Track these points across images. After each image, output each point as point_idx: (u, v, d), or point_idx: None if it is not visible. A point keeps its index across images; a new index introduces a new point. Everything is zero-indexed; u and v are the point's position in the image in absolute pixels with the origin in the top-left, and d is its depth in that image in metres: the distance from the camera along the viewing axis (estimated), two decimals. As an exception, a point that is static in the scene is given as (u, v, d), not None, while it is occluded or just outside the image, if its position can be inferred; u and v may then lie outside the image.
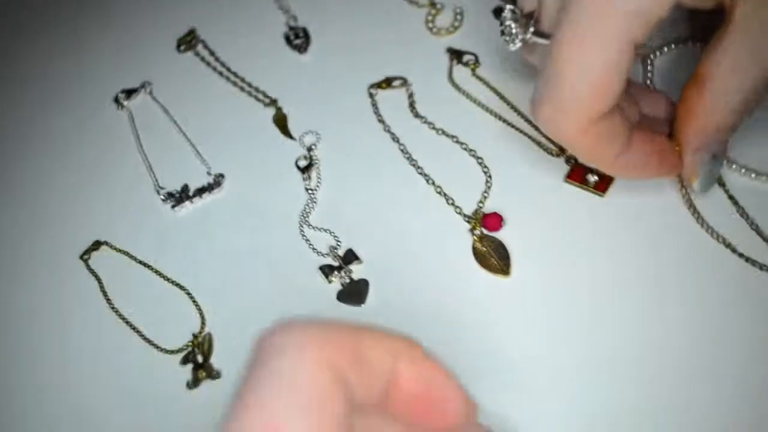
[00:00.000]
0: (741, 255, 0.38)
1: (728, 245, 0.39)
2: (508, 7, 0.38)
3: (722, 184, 0.40)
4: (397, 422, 0.29)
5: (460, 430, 0.29)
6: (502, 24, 0.38)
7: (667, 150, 0.38)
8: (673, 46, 0.45)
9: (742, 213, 0.39)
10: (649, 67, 0.44)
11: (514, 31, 0.38)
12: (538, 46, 0.38)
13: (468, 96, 0.46)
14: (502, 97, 0.46)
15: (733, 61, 0.34)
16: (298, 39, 0.51)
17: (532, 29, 0.37)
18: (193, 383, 0.39)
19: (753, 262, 0.38)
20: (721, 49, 0.34)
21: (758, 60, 0.34)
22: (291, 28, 0.51)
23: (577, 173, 0.42)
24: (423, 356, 0.28)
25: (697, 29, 0.45)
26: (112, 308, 0.42)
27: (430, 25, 0.49)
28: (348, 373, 0.26)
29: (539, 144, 0.44)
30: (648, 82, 0.44)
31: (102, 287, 0.43)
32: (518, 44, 0.38)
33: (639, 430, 0.36)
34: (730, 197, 0.40)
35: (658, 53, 0.45)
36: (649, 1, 0.32)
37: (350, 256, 0.42)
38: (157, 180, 0.46)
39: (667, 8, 0.33)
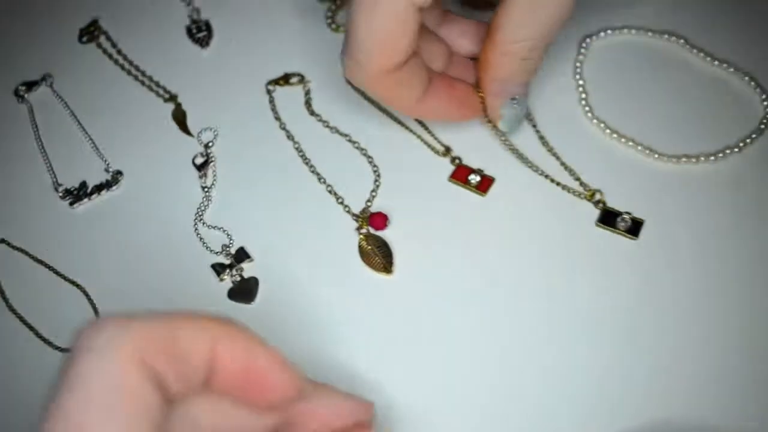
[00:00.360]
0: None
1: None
2: None
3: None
4: (225, 401, 0.30)
5: (297, 405, 0.30)
6: None
7: (466, 95, 0.42)
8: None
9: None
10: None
11: None
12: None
13: (363, 95, 0.47)
14: (395, 96, 0.47)
15: (517, 14, 0.38)
16: (201, 32, 0.51)
17: None
18: (86, 380, 0.40)
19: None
20: (508, 2, 0.38)
21: (537, 13, 0.38)
22: (194, 21, 0.51)
23: (461, 173, 0.44)
24: (243, 336, 0.29)
25: None
26: (9, 307, 0.43)
27: (330, 20, 0.50)
28: (161, 365, 0.27)
29: (428, 144, 0.45)
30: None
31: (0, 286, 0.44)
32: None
33: (523, 415, 0.38)
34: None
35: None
36: None
37: (242, 255, 0.43)
38: (56, 176, 0.46)
39: None
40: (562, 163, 0.44)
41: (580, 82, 0.46)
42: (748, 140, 0.43)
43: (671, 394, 0.37)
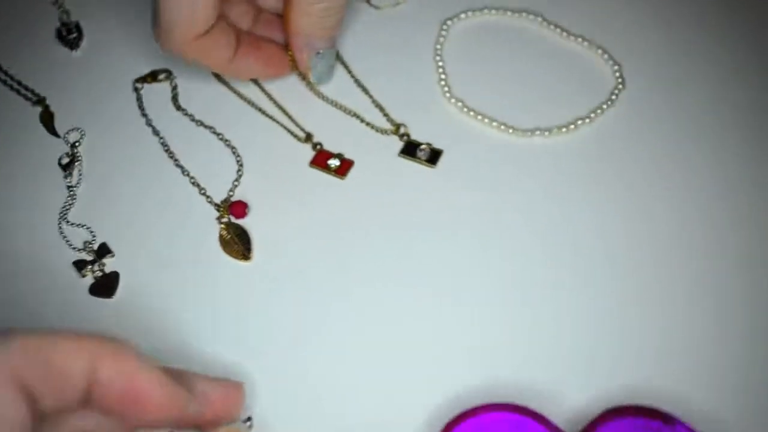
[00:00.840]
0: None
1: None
2: None
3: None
4: (107, 418, 0.31)
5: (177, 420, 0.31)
6: None
7: (274, 54, 0.45)
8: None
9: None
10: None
11: None
12: None
13: (228, 86, 0.48)
14: (258, 85, 0.47)
15: None
16: (71, 35, 0.51)
17: None
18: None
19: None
20: None
21: None
22: (63, 24, 0.52)
23: (320, 158, 0.44)
24: (125, 356, 0.30)
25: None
26: None
27: (198, 16, 0.51)
28: (36, 382, 0.28)
29: (288, 130, 0.46)
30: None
31: None
32: None
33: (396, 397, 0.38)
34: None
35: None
36: None
37: (104, 250, 0.43)
38: None
39: None
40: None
41: (440, 63, 0.47)
42: (598, 111, 0.44)
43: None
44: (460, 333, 0.39)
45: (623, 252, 0.41)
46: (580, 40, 0.47)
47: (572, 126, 0.44)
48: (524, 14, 0.48)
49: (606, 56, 0.46)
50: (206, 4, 0.40)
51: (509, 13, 0.48)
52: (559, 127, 0.44)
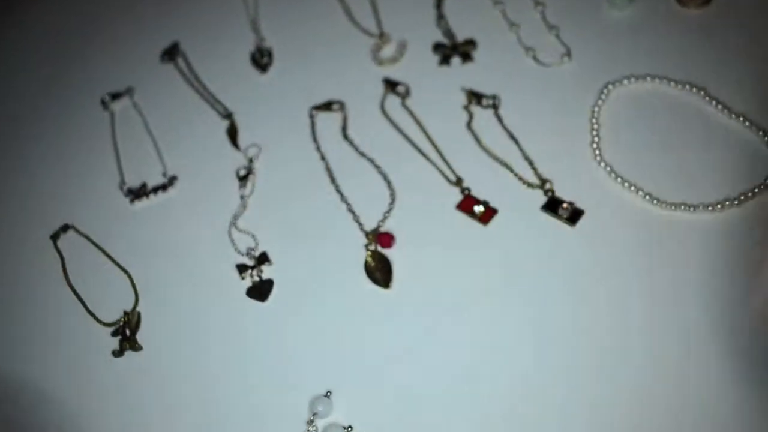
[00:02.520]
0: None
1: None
2: None
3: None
4: None
5: None
6: None
7: None
8: None
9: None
10: None
11: None
12: None
13: (392, 123, 0.52)
14: (421, 127, 0.51)
15: None
16: (263, 59, 0.57)
17: None
18: (119, 352, 0.47)
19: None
20: None
21: None
22: (258, 49, 0.58)
23: (467, 203, 0.47)
24: None
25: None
26: (68, 282, 0.50)
27: (375, 54, 0.55)
28: None
29: (441, 172, 0.49)
30: None
31: (63, 264, 0.51)
32: None
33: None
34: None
35: None
36: None
37: (263, 258, 0.48)
38: (123, 176, 0.54)
39: None
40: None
41: (595, 126, 0.48)
42: (749, 194, 0.44)
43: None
44: (584, 391, 0.41)
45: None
46: (741, 119, 0.47)
47: (719, 206, 0.44)
48: (687, 86, 0.48)
49: (767, 138, 0.46)
50: None
51: (672, 84, 0.49)
52: (705, 205, 0.44)
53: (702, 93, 0.48)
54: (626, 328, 0.42)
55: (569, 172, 0.47)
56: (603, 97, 0.49)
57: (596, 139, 0.48)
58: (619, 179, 0.46)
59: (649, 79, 0.49)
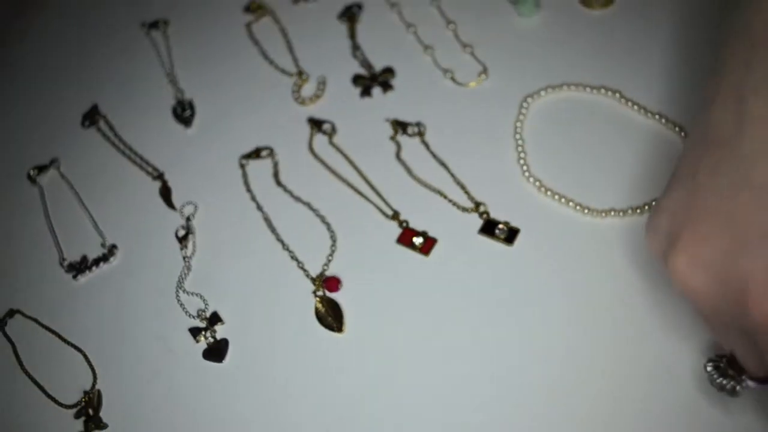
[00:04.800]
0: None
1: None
2: (709, 365, 0.37)
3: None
4: None
5: None
6: (712, 383, 0.37)
7: None
8: None
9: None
10: None
11: (729, 386, 0.36)
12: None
13: (323, 163, 0.52)
14: (351, 163, 0.52)
15: None
16: (185, 112, 0.57)
17: (746, 376, 0.36)
18: (86, 435, 0.47)
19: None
20: None
21: None
22: (179, 102, 0.57)
23: (406, 236, 0.48)
24: None
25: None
26: (22, 368, 0.49)
27: (296, 94, 0.55)
28: None
29: (378, 208, 0.50)
30: None
31: (15, 351, 0.50)
32: (741, 393, 0.37)
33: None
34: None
35: None
36: None
37: (215, 319, 0.48)
38: (62, 252, 0.53)
39: None
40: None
41: (519, 141, 0.49)
42: (673, 192, 0.46)
43: None
44: (542, 405, 0.42)
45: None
46: (658, 117, 0.48)
47: (647, 207, 0.46)
48: (602, 90, 0.50)
49: (683, 134, 0.47)
50: None
51: (588, 89, 0.50)
52: (634, 209, 0.46)
53: (617, 95, 0.49)
54: (570, 341, 0.43)
55: (500, 192, 0.48)
56: (523, 111, 0.50)
57: (522, 154, 0.49)
58: (549, 192, 0.47)
59: (565, 87, 0.51)
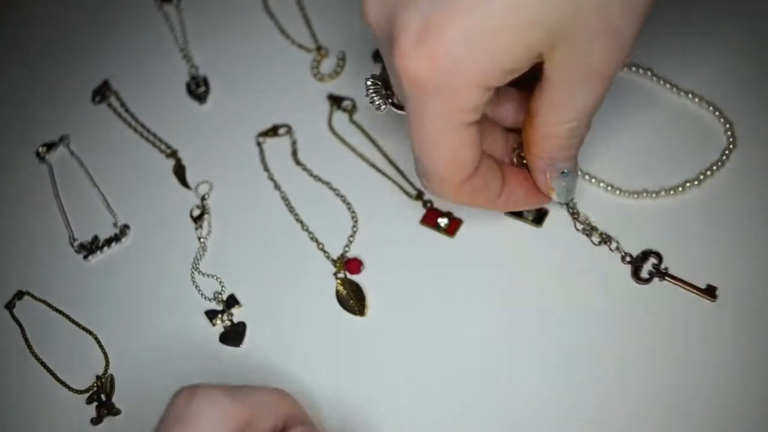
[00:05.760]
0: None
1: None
2: (369, 80, 0.40)
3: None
4: None
5: None
6: (367, 94, 0.41)
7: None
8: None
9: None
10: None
11: (377, 102, 0.40)
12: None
13: (343, 141, 0.50)
14: (372, 142, 0.50)
15: (555, 99, 0.38)
16: (199, 88, 0.55)
17: (390, 101, 0.40)
18: (97, 420, 0.45)
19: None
20: (541, 92, 0.38)
21: (575, 97, 0.37)
22: (193, 78, 0.56)
23: (431, 217, 0.46)
24: (300, 415, 0.38)
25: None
26: (32, 352, 0.48)
27: (315, 70, 0.53)
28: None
29: (401, 188, 0.48)
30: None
31: (24, 334, 0.49)
32: (383, 111, 0.41)
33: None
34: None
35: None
36: (464, 92, 0.35)
37: (231, 301, 0.47)
38: (72, 232, 0.51)
39: (485, 93, 0.35)
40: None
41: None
42: (708, 172, 0.44)
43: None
44: (565, 392, 0.41)
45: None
46: (690, 96, 0.47)
47: (680, 188, 0.44)
48: (633, 68, 0.48)
49: (717, 113, 0.46)
50: (467, 149, 0.37)
51: (618, 67, 0.48)
52: (667, 190, 0.44)
53: (649, 73, 0.48)
54: (599, 320, 0.42)
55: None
56: (551, 89, 0.49)
57: (550, 133, 0.47)
58: (578, 172, 0.46)
59: (594, 64, 0.49)
